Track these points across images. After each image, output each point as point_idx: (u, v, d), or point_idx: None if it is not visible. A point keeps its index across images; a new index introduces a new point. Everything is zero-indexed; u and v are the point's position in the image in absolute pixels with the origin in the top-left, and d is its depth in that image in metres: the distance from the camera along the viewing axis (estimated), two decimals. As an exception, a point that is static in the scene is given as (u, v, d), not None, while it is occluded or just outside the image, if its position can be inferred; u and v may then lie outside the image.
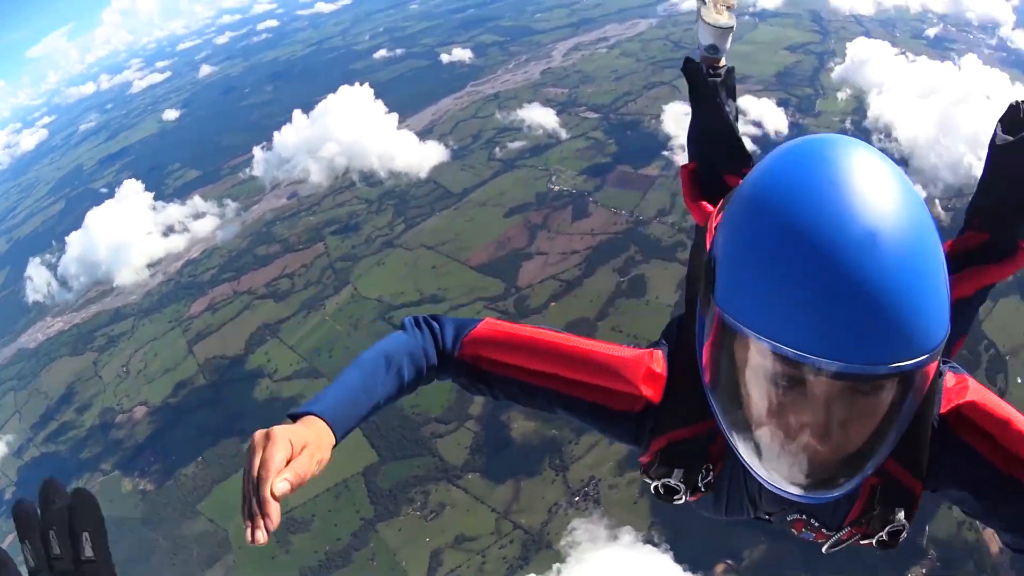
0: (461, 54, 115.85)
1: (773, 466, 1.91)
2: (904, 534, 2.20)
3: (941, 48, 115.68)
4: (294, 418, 2.09)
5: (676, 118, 75.84)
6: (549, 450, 43.53)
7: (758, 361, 1.76)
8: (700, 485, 2.33)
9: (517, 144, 79.51)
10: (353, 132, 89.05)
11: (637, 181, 67.56)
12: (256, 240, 71.59)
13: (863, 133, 75.19)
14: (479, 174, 73.87)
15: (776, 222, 1.66)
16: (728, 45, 4.35)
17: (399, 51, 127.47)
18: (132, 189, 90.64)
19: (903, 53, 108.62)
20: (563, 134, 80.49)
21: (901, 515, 2.16)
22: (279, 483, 1.78)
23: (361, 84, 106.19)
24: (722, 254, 1.84)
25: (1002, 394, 23.56)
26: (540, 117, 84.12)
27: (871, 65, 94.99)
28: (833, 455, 1.82)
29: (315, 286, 60.59)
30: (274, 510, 1.74)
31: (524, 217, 64.79)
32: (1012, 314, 49.49)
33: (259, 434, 1.87)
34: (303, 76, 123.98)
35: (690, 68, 4.28)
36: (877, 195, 1.61)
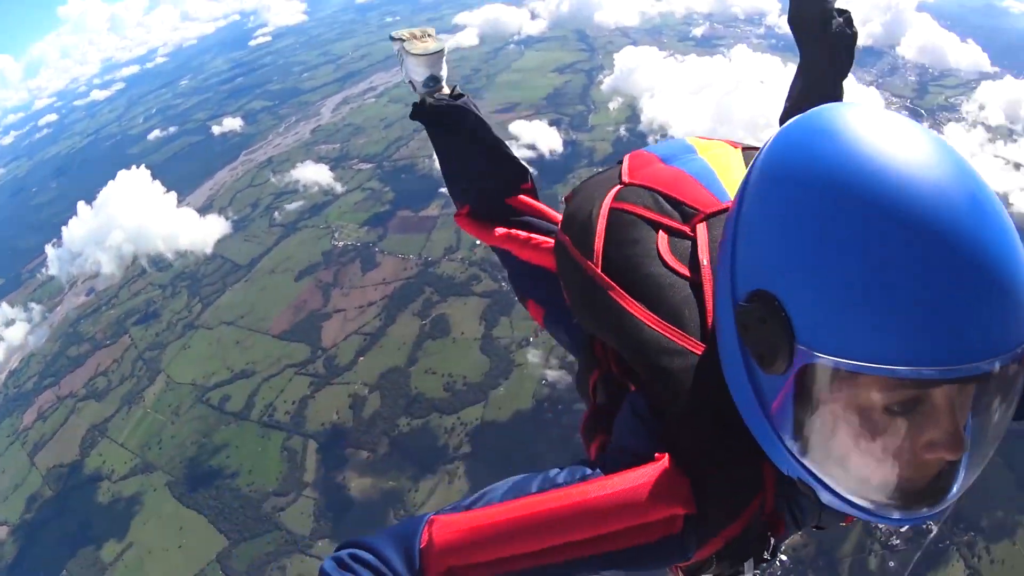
0: (232, 123, 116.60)
1: (888, 499, 1.59)
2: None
3: (709, 45, 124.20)
4: None
5: None
6: (391, 502, 44.91)
7: (880, 396, 1.46)
8: (768, 555, 2.00)
9: (295, 205, 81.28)
10: (136, 217, 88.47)
11: (420, 224, 70.05)
12: (66, 342, 70.08)
13: (639, 137, 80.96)
14: (263, 242, 74.81)
15: (869, 215, 1.35)
16: (444, 71, 3.98)
17: (172, 129, 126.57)
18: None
19: (672, 55, 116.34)
20: (339, 188, 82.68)
21: None
22: None
23: (138, 167, 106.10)
24: (785, 284, 1.50)
25: None
26: (314, 174, 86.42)
27: (640, 72, 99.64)
28: (961, 466, 1.57)
29: (130, 379, 59.79)
30: None
31: (314, 278, 66.14)
32: None
33: None
34: (84, 167, 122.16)
35: (421, 110, 3.79)
36: (938, 151, 1.42)
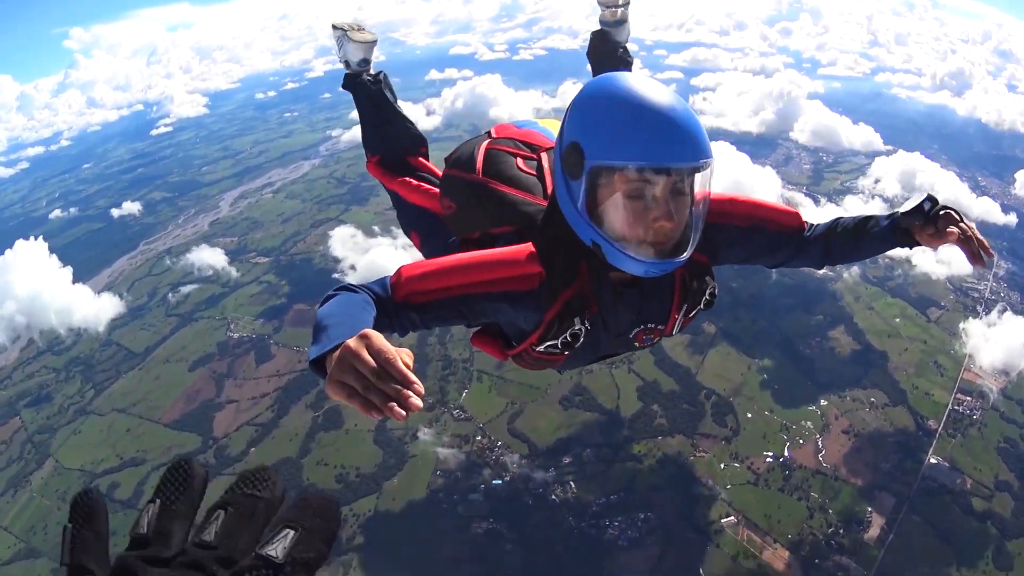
0: (131, 207, 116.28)
1: (645, 252, 2.87)
2: (715, 291, 3.43)
3: None
4: (319, 363, 2.31)
5: (342, 240, 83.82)
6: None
7: (625, 185, 2.79)
8: (587, 324, 3.18)
9: (188, 289, 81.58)
10: (30, 289, 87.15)
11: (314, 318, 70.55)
12: (-46, 420, 66.81)
13: None
14: (159, 331, 74.17)
15: (618, 100, 2.80)
16: (373, 56, 5.37)
17: (73, 210, 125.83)
18: None
19: None
20: (233, 272, 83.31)
21: (709, 279, 3.41)
22: (405, 356, 2.06)
23: (36, 238, 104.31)
24: (583, 135, 2.85)
25: (735, 433, 45.89)
26: (209, 258, 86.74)
27: None
28: (675, 231, 2.86)
29: (18, 462, 58.03)
30: (414, 378, 2.01)
31: (209, 368, 65.60)
32: (723, 361, 57.82)
33: (352, 342, 2.11)
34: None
35: (354, 82, 5.25)
36: (659, 85, 2.87)
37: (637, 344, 3.58)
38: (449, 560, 45.39)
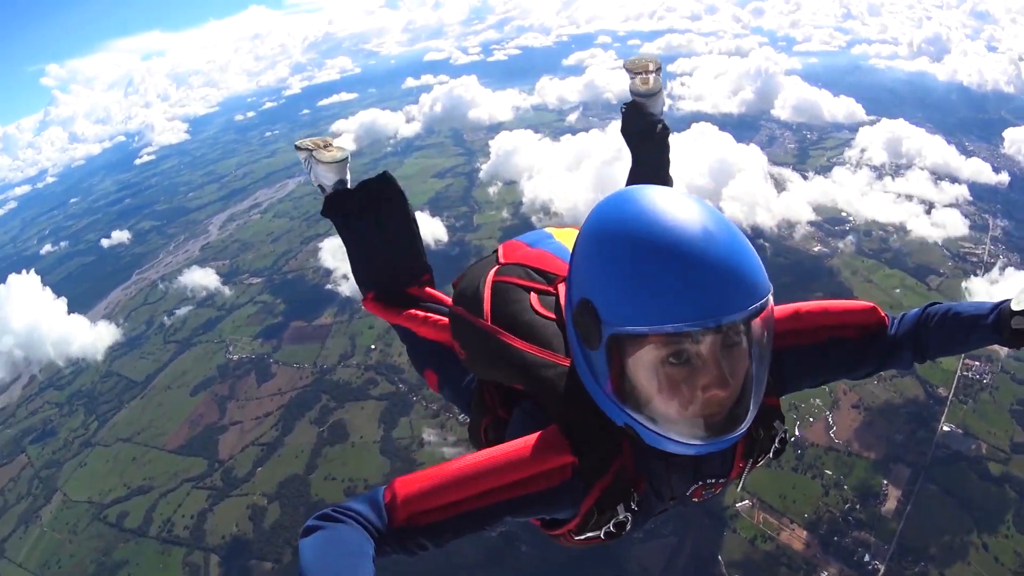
0: (120, 236, 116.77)
1: (693, 433, 2.29)
2: (788, 436, 2.88)
3: (585, 122, 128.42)
4: None
5: (332, 251, 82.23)
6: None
7: (661, 352, 2.18)
8: (635, 506, 2.60)
9: (184, 310, 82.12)
10: (26, 322, 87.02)
11: (313, 333, 70.87)
12: (-39, 460, 66.88)
13: (523, 221, 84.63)
14: (158, 359, 74.24)
15: (635, 240, 2.17)
16: (349, 175, 4.44)
17: (64, 244, 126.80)
18: None
19: (545, 137, 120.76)
20: (227, 292, 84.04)
21: (778, 424, 2.80)
22: None
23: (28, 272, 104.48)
24: (595, 290, 2.25)
25: None
26: (201, 279, 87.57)
27: (517, 155, 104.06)
28: (731, 398, 2.26)
29: (26, 499, 58.18)
30: None
31: (210, 392, 65.73)
32: None
33: None
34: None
35: (334, 205, 4.32)
36: (686, 203, 2.23)
37: (696, 499, 2.98)
38: (465, 565, 45.20)
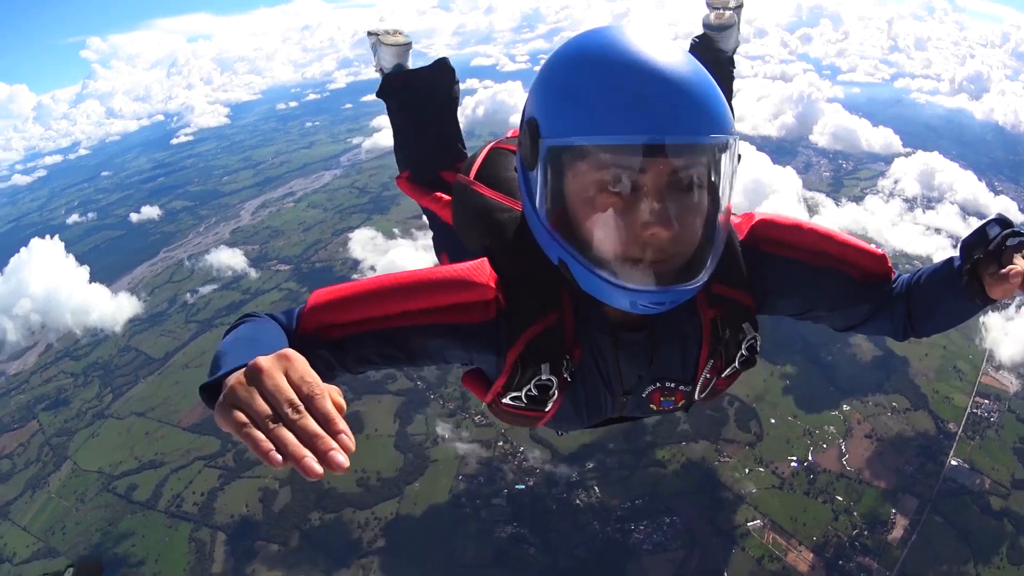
0: (150, 211, 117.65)
1: (632, 273, 2.01)
2: (758, 345, 2.52)
3: None
4: (211, 389, 1.64)
5: (362, 243, 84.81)
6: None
7: (597, 175, 1.95)
8: (566, 374, 2.35)
9: (208, 288, 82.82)
10: (46, 287, 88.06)
11: None
12: (-29, 422, 67.68)
13: None
14: (179, 337, 74.57)
15: (585, 54, 2.02)
16: (410, 62, 4.67)
17: (91, 216, 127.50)
18: None
19: None
20: (253, 274, 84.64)
21: (749, 327, 2.46)
22: (335, 395, 1.48)
23: (50, 235, 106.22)
24: (542, 106, 2.09)
25: (759, 439, 44.13)
26: (228, 259, 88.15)
27: None
28: (677, 245, 2.00)
29: (35, 464, 58.66)
30: (342, 422, 1.42)
31: None
32: None
33: (264, 360, 1.48)
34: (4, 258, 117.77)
35: (392, 86, 4.50)
36: (655, 34, 2.00)
37: (654, 407, 2.74)
38: (471, 564, 45.36)
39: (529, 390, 2.39)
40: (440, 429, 54.58)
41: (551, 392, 2.40)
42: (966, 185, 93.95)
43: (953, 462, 48.23)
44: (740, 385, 48.78)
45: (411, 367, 2.50)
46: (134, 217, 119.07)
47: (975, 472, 47.44)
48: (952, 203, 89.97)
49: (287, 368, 1.47)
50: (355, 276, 67.57)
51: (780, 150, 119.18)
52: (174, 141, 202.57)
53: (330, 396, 1.45)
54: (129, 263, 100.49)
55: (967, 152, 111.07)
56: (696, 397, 2.71)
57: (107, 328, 78.36)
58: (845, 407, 53.69)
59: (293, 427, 1.37)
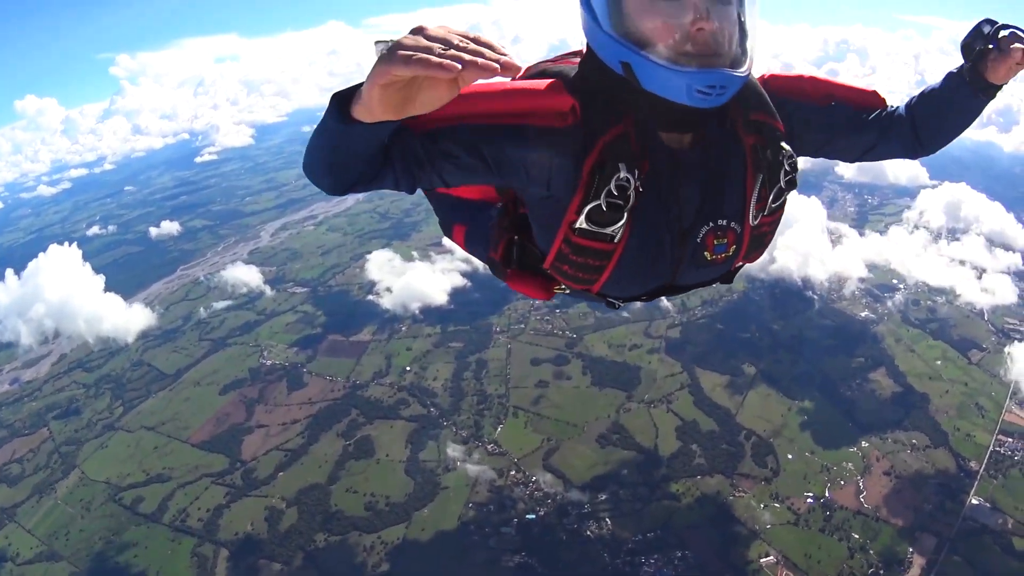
0: (169, 227, 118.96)
1: (685, 60, 2.34)
2: (796, 164, 2.85)
3: None
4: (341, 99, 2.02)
5: (379, 264, 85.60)
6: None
7: None
8: (638, 183, 2.57)
9: (223, 304, 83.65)
10: (60, 294, 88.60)
11: (350, 348, 70.93)
12: (-16, 424, 68.26)
13: None
14: (191, 354, 75.10)
15: None
16: None
17: (112, 228, 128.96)
18: None
19: None
20: (268, 292, 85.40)
21: (786, 145, 2.80)
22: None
23: (69, 244, 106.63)
24: None
25: (775, 474, 44.66)
26: (244, 275, 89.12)
27: None
28: (720, 37, 2.37)
29: (44, 470, 58.95)
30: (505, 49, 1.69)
31: (239, 393, 66.20)
32: (763, 402, 56.98)
33: (406, 36, 1.74)
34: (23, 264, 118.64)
35: None
36: None
37: (708, 254, 2.90)
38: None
39: (611, 195, 2.56)
40: (452, 453, 54.51)
41: (628, 195, 2.58)
42: (993, 216, 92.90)
43: (974, 501, 47.51)
44: (757, 419, 51.57)
45: (490, 178, 2.65)
46: (153, 232, 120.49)
47: (997, 511, 46.68)
48: (978, 235, 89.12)
49: (425, 29, 1.71)
50: (371, 297, 67.89)
51: (805, 184, 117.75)
52: (198, 160, 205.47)
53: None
54: (147, 278, 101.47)
55: (995, 185, 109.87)
56: (746, 240, 2.96)
57: (119, 338, 79.19)
58: (864, 444, 53.18)
59: (465, 50, 1.65)
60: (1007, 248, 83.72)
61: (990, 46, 2.82)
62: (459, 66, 1.58)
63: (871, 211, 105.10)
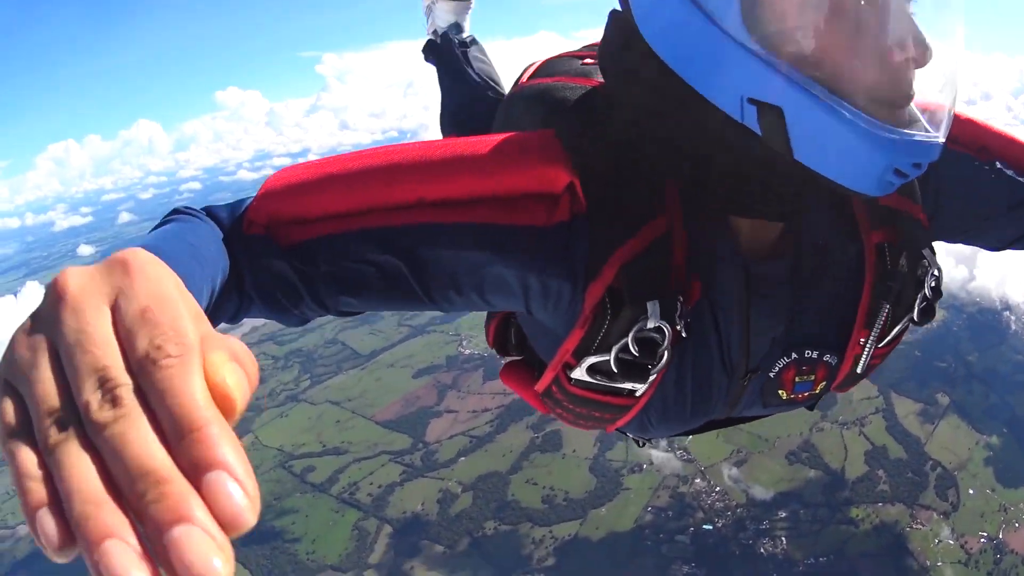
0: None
1: (888, 111, 1.20)
2: (940, 285, 1.61)
3: None
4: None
5: None
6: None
7: None
8: (679, 325, 1.37)
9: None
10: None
11: None
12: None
13: None
14: (388, 338, 77.09)
15: None
16: (468, 23, 3.98)
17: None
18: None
19: None
20: None
21: (929, 254, 1.59)
22: (237, 346, 0.63)
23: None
24: None
25: (954, 508, 40.69)
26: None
27: None
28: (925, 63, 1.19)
29: (217, 429, 60.44)
30: (219, 433, 0.52)
31: (433, 378, 67.36)
32: (953, 433, 54.30)
33: (76, 274, 0.63)
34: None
35: (438, 45, 3.81)
36: None
37: (783, 393, 1.70)
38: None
39: (624, 348, 1.41)
40: (641, 458, 53.59)
41: (659, 353, 1.42)
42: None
43: None
44: (944, 450, 52.79)
45: (422, 305, 1.45)
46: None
47: None
48: None
49: (121, 288, 0.62)
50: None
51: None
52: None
53: (204, 358, 0.58)
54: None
55: None
56: (842, 376, 1.74)
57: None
58: (1046, 486, 49.95)
59: (103, 440, 0.54)
60: None
61: None
62: (53, 538, 0.51)
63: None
